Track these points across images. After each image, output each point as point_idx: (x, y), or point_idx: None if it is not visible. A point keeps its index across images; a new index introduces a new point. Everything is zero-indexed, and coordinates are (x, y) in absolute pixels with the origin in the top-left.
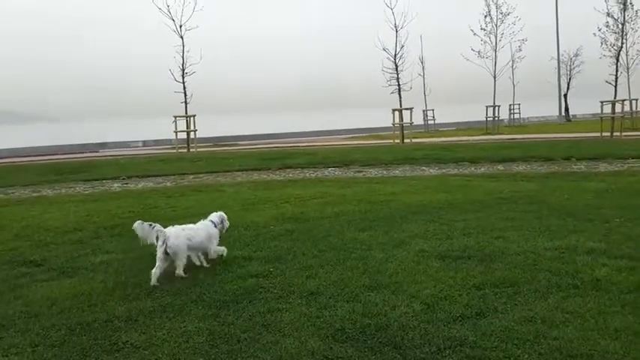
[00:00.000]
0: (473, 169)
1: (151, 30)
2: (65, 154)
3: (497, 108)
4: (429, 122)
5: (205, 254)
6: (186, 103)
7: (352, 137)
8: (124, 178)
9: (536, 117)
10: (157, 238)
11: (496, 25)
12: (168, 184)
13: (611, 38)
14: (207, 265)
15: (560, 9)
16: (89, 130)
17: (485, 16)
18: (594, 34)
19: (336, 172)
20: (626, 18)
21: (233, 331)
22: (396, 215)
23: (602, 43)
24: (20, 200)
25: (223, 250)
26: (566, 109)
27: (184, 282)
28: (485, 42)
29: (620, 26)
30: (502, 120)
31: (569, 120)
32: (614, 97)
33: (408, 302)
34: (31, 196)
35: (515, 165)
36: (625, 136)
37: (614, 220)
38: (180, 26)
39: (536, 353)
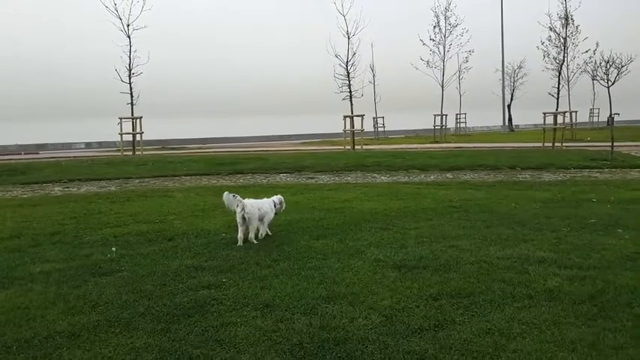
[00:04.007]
0: (423, 176)
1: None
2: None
3: (444, 117)
4: (379, 129)
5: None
6: (132, 104)
7: (304, 143)
8: (65, 182)
9: (481, 126)
10: (237, 207)
11: (444, 36)
12: (113, 188)
13: (553, 52)
14: (270, 234)
15: (505, 22)
16: (26, 130)
17: (435, 27)
18: (537, 47)
19: (288, 178)
20: (568, 33)
21: (184, 348)
22: (350, 223)
23: (544, 57)
24: None
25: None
26: (510, 120)
27: (131, 294)
28: (434, 52)
29: (562, 40)
30: (449, 129)
31: (512, 130)
32: (556, 109)
33: (366, 314)
34: None
35: (463, 173)
36: (566, 146)
37: (562, 229)
38: (128, 25)
39: None
